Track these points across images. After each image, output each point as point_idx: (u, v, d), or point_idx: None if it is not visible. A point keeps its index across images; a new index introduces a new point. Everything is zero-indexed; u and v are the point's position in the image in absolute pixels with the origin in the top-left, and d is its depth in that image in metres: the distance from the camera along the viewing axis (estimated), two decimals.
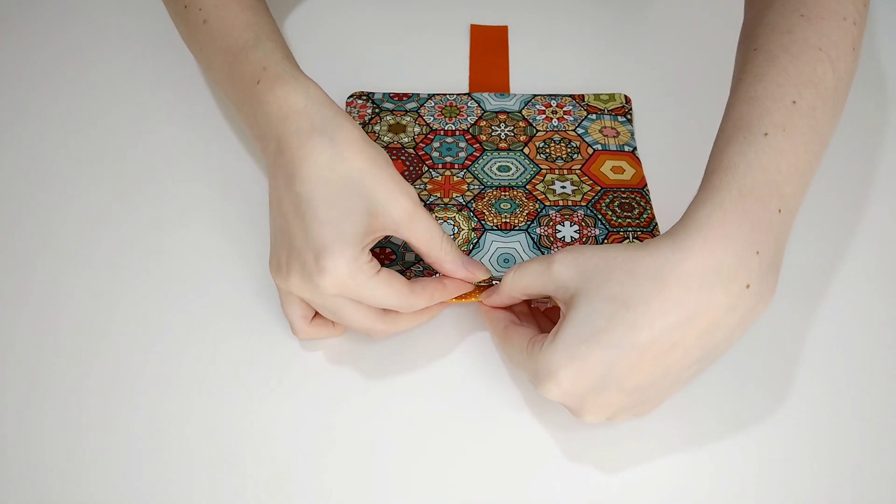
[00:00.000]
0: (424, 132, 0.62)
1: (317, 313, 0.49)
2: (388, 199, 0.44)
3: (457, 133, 0.62)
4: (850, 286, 0.55)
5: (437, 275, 0.50)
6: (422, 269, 0.52)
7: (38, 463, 0.47)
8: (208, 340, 0.52)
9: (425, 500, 0.46)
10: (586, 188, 0.57)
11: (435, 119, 0.63)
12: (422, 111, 0.63)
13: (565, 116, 0.63)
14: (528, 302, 0.50)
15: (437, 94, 0.65)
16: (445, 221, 0.55)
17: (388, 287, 0.45)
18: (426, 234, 0.46)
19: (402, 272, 0.52)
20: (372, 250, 0.53)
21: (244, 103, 0.50)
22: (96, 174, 0.61)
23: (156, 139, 0.64)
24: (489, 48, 0.70)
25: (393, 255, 0.53)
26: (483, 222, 0.55)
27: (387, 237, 0.54)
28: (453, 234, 0.54)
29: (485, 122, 0.62)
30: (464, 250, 0.53)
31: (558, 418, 0.49)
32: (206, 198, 0.60)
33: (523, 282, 0.46)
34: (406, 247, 0.54)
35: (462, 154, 0.60)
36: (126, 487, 0.46)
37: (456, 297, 0.50)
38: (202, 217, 0.59)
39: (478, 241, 0.54)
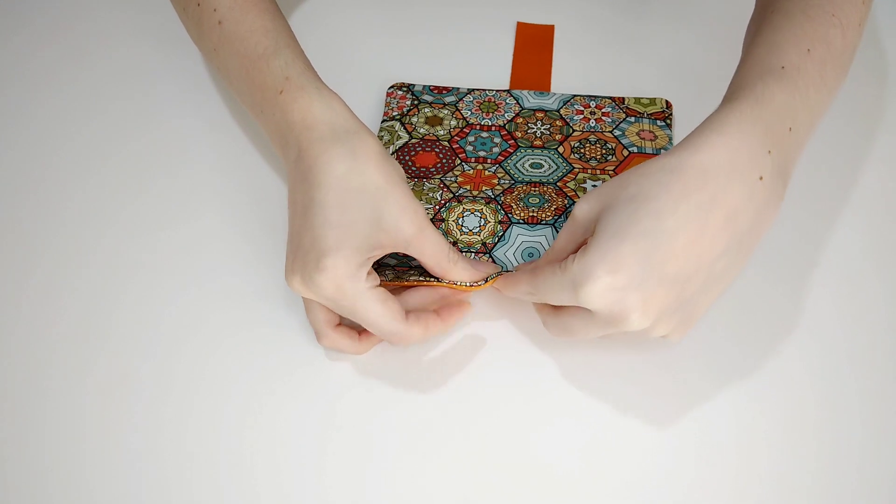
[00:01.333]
0: (460, 126, 0.62)
1: (339, 322, 0.50)
2: (400, 214, 0.46)
3: (493, 129, 0.61)
4: (842, 256, 0.56)
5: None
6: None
7: (38, 461, 0.47)
8: (212, 337, 0.53)
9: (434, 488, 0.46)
10: None
11: (472, 114, 0.63)
12: (460, 105, 0.63)
13: (603, 118, 0.62)
14: None
15: (477, 90, 0.65)
16: (472, 213, 0.55)
17: (382, 305, 0.46)
18: (434, 249, 0.47)
19: (421, 268, 0.52)
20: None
21: (264, 110, 0.51)
22: (98, 169, 0.62)
23: (159, 134, 0.65)
24: (534, 46, 0.70)
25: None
26: (510, 216, 0.54)
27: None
28: (479, 225, 0.54)
29: (522, 120, 0.62)
30: (489, 243, 0.53)
31: (569, 401, 0.49)
32: (211, 194, 0.61)
33: (560, 246, 0.47)
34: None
35: (496, 149, 0.60)
36: (126, 483, 0.46)
37: (470, 286, 0.49)
38: (207, 213, 0.59)
39: (503, 234, 0.53)
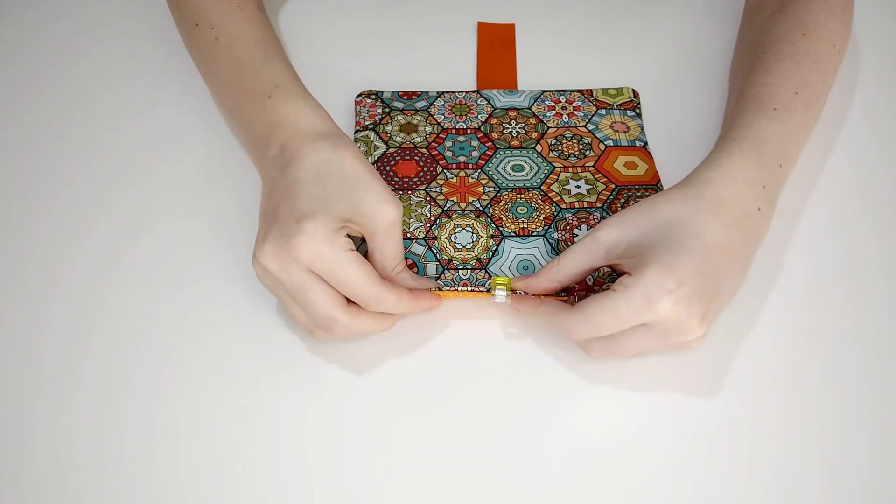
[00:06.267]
0: (436, 132, 0.62)
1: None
2: (378, 203, 0.48)
3: (468, 131, 0.62)
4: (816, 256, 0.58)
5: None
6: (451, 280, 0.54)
7: (26, 460, 0.48)
8: (198, 335, 0.53)
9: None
10: (601, 187, 0.58)
11: (446, 118, 0.63)
12: (432, 110, 0.64)
13: (575, 112, 0.63)
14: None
15: (447, 92, 0.65)
16: (464, 229, 0.56)
17: (360, 267, 0.47)
18: (393, 251, 0.49)
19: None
20: None
21: (246, 112, 0.54)
22: (84, 167, 0.63)
23: (139, 132, 0.65)
24: (496, 45, 0.70)
25: (414, 267, 0.55)
26: (501, 229, 0.56)
27: (408, 249, 0.55)
28: (472, 241, 0.55)
29: (496, 120, 0.63)
30: (483, 258, 0.55)
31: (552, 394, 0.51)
32: (196, 191, 0.61)
33: (570, 263, 0.49)
34: (427, 257, 0.55)
35: (475, 153, 0.61)
36: (116, 481, 0.47)
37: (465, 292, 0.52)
38: (192, 210, 0.60)
39: (497, 248, 0.55)
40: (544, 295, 0.52)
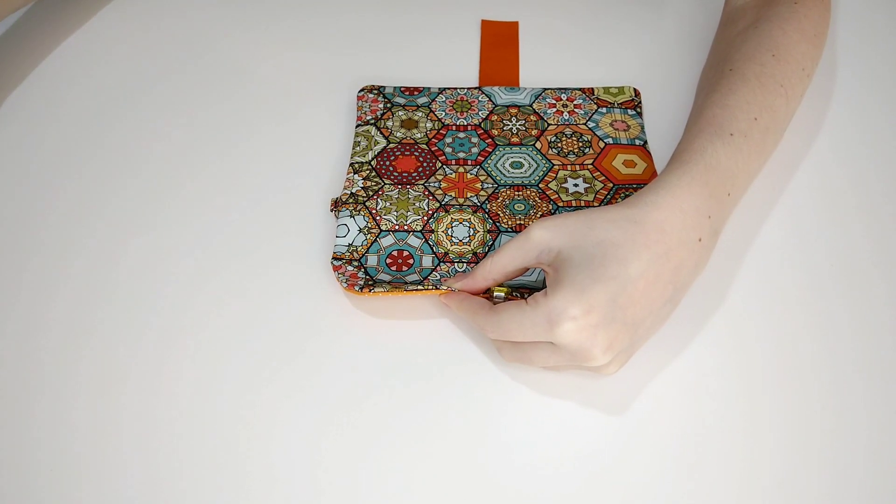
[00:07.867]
0: (437, 128, 0.63)
1: None
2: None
3: (468, 128, 0.62)
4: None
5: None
6: (438, 276, 0.54)
7: (29, 456, 0.48)
8: (197, 333, 0.53)
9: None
10: (599, 185, 0.58)
11: (446, 114, 0.63)
12: (433, 106, 0.64)
13: (576, 110, 0.63)
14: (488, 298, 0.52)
15: (448, 89, 0.65)
16: (461, 223, 0.56)
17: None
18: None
19: (418, 281, 0.54)
20: (391, 254, 0.55)
21: None
22: (80, 165, 0.63)
23: (139, 130, 0.65)
24: (500, 43, 0.71)
25: (411, 258, 0.55)
26: (498, 224, 0.56)
27: (405, 241, 0.55)
28: (469, 236, 0.56)
29: (496, 117, 0.63)
30: (479, 252, 0.55)
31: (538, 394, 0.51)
32: (195, 190, 0.61)
33: (503, 261, 0.49)
34: (424, 250, 0.55)
35: (475, 150, 0.61)
36: (116, 480, 0.47)
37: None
38: (195, 207, 0.60)
39: (493, 244, 0.55)
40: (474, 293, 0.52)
